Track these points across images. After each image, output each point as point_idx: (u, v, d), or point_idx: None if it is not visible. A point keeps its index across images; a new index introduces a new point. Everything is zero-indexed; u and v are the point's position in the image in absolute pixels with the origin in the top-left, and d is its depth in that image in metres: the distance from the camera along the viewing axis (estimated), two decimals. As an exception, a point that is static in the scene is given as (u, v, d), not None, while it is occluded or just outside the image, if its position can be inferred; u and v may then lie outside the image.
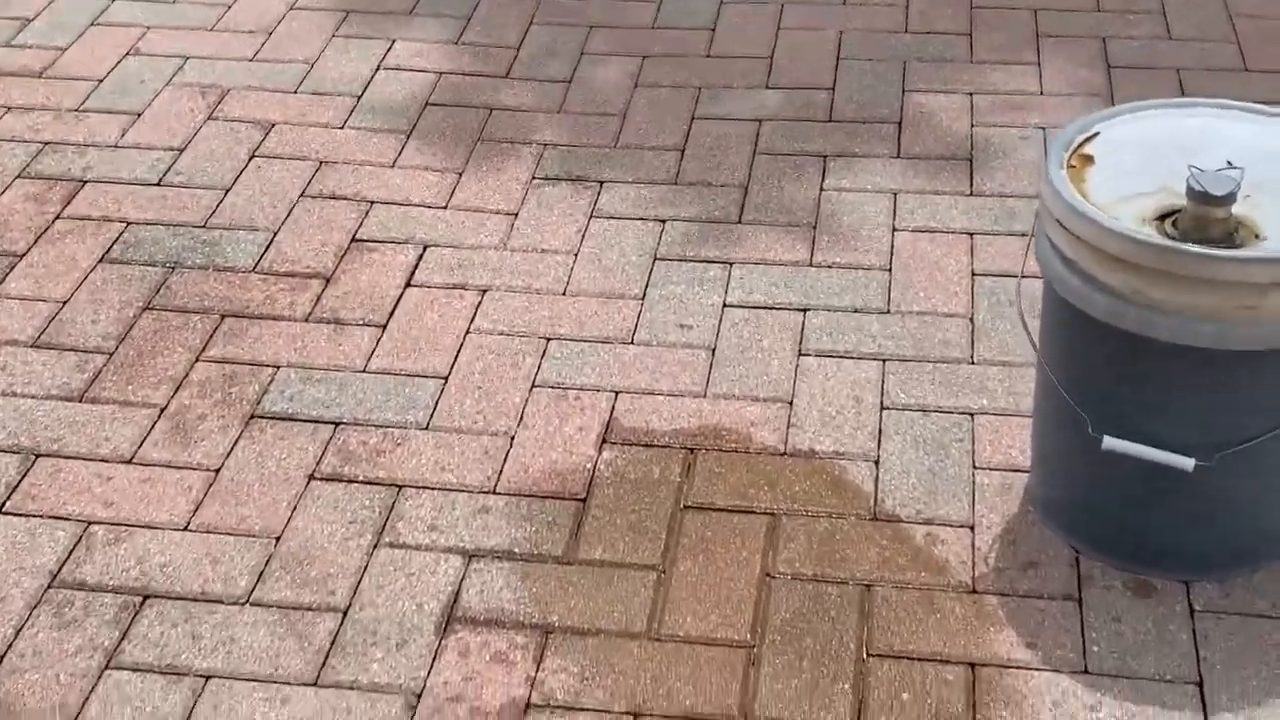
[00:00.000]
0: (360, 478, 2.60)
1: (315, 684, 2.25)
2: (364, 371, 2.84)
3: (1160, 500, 2.31)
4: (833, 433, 2.66)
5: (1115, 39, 3.82)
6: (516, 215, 3.26)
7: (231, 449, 2.67)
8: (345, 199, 3.33)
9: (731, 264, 3.08)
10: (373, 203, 3.31)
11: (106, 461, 2.65)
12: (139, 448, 2.68)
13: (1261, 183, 2.20)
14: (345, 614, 2.35)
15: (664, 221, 3.22)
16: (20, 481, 2.61)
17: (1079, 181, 2.24)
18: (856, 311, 2.95)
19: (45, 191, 3.37)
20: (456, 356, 2.87)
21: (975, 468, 2.58)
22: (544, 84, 3.73)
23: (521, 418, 2.72)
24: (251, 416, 2.74)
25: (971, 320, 2.91)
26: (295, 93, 3.71)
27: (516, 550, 2.45)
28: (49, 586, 2.42)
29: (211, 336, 2.93)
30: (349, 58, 3.85)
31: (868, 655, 2.26)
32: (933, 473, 2.57)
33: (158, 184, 3.38)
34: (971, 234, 3.15)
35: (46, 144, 3.53)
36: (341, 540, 2.48)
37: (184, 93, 3.71)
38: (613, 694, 2.21)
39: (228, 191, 3.35)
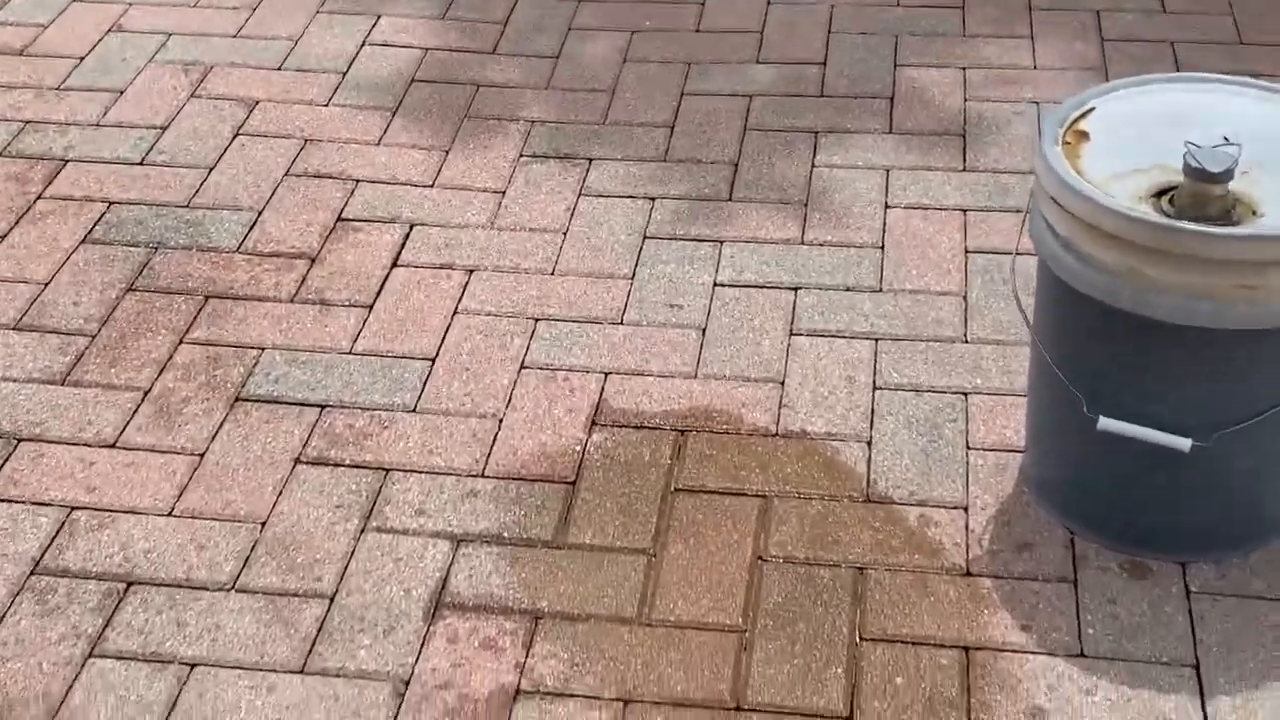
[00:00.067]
0: (347, 461, 2.57)
1: (302, 671, 2.22)
2: (350, 353, 2.81)
3: (1156, 481, 2.28)
4: (825, 413, 2.63)
5: (1109, 12, 3.78)
6: (504, 194, 3.22)
7: (216, 432, 2.63)
8: (330, 178, 3.28)
9: (722, 242, 3.05)
10: (358, 181, 3.27)
11: (89, 446, 2.62)
12: (122, 432, 2.64)
13: (1259, 159, 2.17)
14: (332, 600, 2.32)
15: (653, 199, 3.18)
16: (1, 466, 2.57)
17: (1074, 158, 2.20)
18: (849, 290, 2.91)
19: (26, 171, 3.32)
20: (444, 338, 2.83)
21: (969, 448, 2.55)
22: (531, 60, 3.69)
23: (510, 400, 2.68)
24: (236, 399, 2.71)
25: (965, 298, 2.88)
26: (279, 70, 3.66)
27: (505, 534, 2.42)
28: (31, 573, 2.38)
29: (195, 318, 2.89)
30: (333, 34, 3.80)
31: (861, 639, 2.24)
32: (926, 453, 2.54)
33: (140, 163, 3.33)
34: (965, 210, 3.11)
35: (28, 123, 3.48)
36: (328, 525, 2.45)
37: (166, 70, 3.66)
38: (603, 680, 2.18)
39: (211, 170, 3.31)
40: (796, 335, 2.81)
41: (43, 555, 2.41)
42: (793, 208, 3.14)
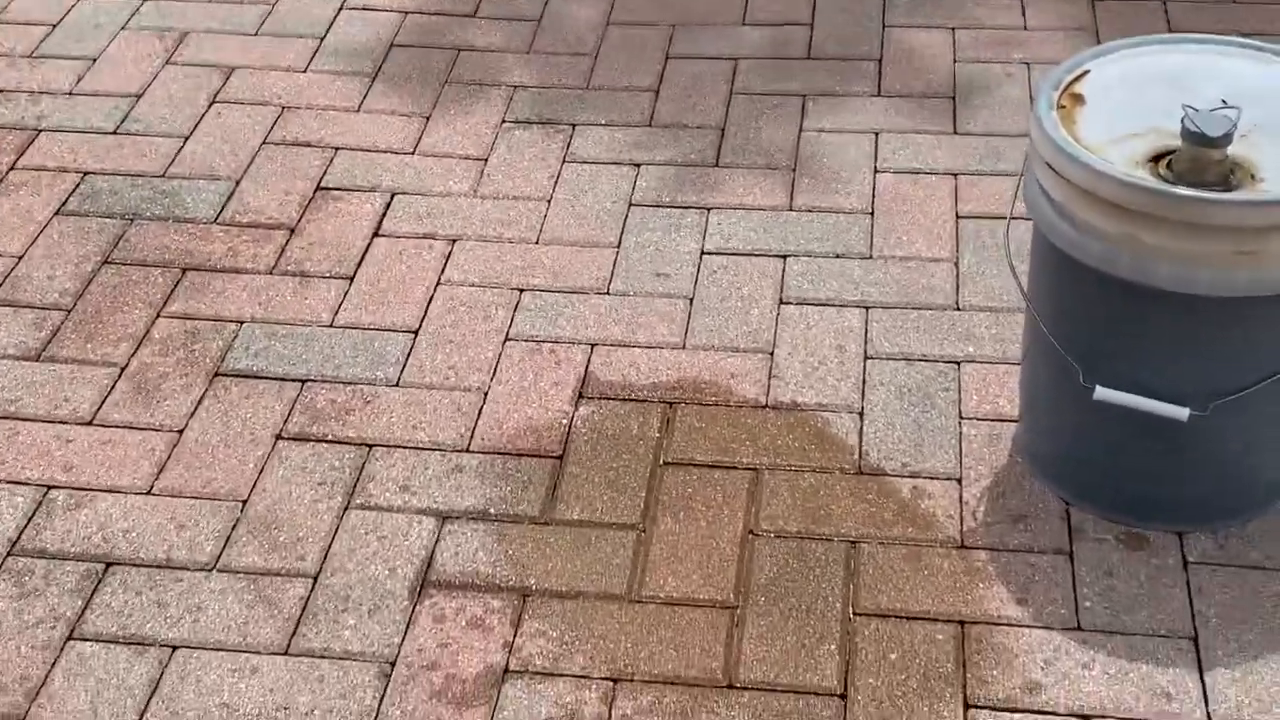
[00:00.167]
0: (329, 437, 2.52)
1: (285, 653, 2.17)
2: (331, 326, 2.75)
3: (1153, 450, 2.24)
4: (815, 384, 2.59)
5: (1099, -29, 3.72)
6: (486, 161, 3.16)
7: (195, 409, 2.58)
8: (309, 145, 3.22)
9: (709, 209, 2.99)
10: (337, 149, 3.21)
11: (65, 423, 2.56)
12: (99, 409, 2.59)
13: (1257, 122, 2.12)
14: (315, 580, 2.28)
15: (639, 166, 3.12)
16: (-24, 445, 2.53)
17: (1069, 123, 2.16)
18: (838, 257, 2.86)
19: (-2, 141, 3.26)
20: (426, 309, 2.78)
21: (962, 418, 2.51)
22: (513, 23, 3.62)
23: (495, 372, 2.64)
24: (215, 374, 2.65)
25: (956, 265, 2.84)
26: (256, 35, 3.59)
27: (492, 511, 2.38)
28: (8, 554, 2.33)
29: (172, 291, 2.84)
30: (311, -2, 3.73)
31: (854, 614, 2.20)
32: (918, 424, 2.50)
33: (114, 132, 3.27)
34: (955, 175, 3.06)
35: (-1, 91, 3.42)
36: (310, 503, 2.40)
37: (140, 37, 3.59)
38: (593, 658, 2.15)
39: (187, 139, 3.24)
40: (786, 304, 2.76)
41: (19, 536, 2.36)
42: (781, 173, 3.09)
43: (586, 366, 2.64)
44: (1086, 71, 2.25)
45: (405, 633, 2.19)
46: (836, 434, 2.49)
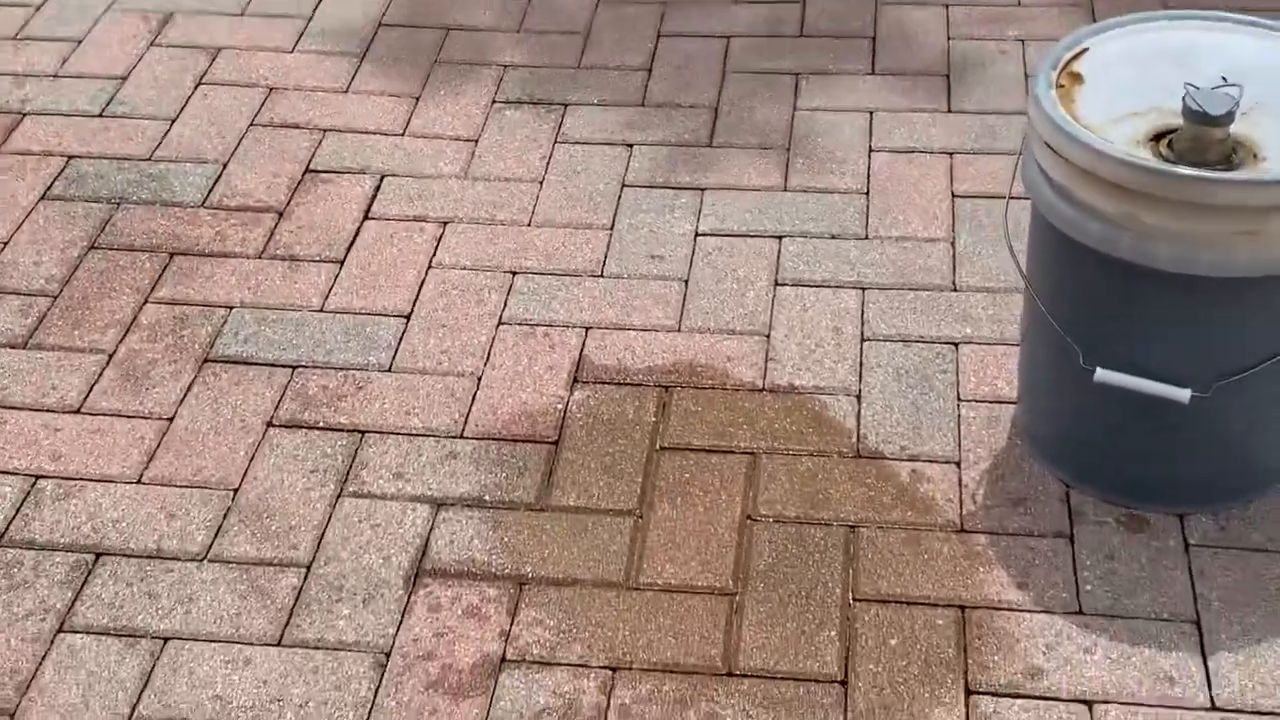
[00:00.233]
0: (321, 424, 2.49)
1: (279, 644, 2.15)
2: (322, 311, 2.72)
3: (1154, 432, 2.22)
4: (812, 366, 2.56)
5: (1094, -54, 3.69)
6: (477, 142, 3.13)
7: (184, 396, 2.55)
8: (297, 127, 3.18)
9: (703, 190, 2.96)
10: (326, 131, 3.17)
11: (53, 412, 2.53)
12: (87, 396, 2.55)
13: (1259, 100, 2.10)
14: (309, 569, 2.25)
15: (631, 146, 3.09)
16: (-37, 435, 2.49)
17: (1068, 102, 2.13)
18: (834, 238, 2.84)
19: (-18, 125, 3.22)
20: (418, 293, 2.75)
21: (960, 400, 2.49)
22: (503, 1, 3.57)
23: (488, 357, 2.61)
24: (204, 360, 2.62)
25: (953, 245, 2.81)
26: (242, 15, 3.54)
27: (487, 497, 2.35)
28: (-4, 546, 2.31)
29: (160, 276, 2.80)
30: (298, -23, 3.68)
31: (854, 600, 2.18)
32: (916, 406, 2.48)
33: (100, 115, 3.23)
34: (951, 154, 3.03)
35: (-18, 74, 3.37)
36: (303, 491, 2.37)
37: (126, 18, 3.54)
38: (590, 647, 2.12)
39: (173, 122, 3.20)
40: (781, 286, 2.73)
41: (7, 527, 2.33)
42: (775, 153, 3.06)
43: (581, 350, 2.61)
44: (1085, 50, 2.22)
45: (400, 622, 2.16)
46: (834, 417, 2.47)
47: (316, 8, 3.56)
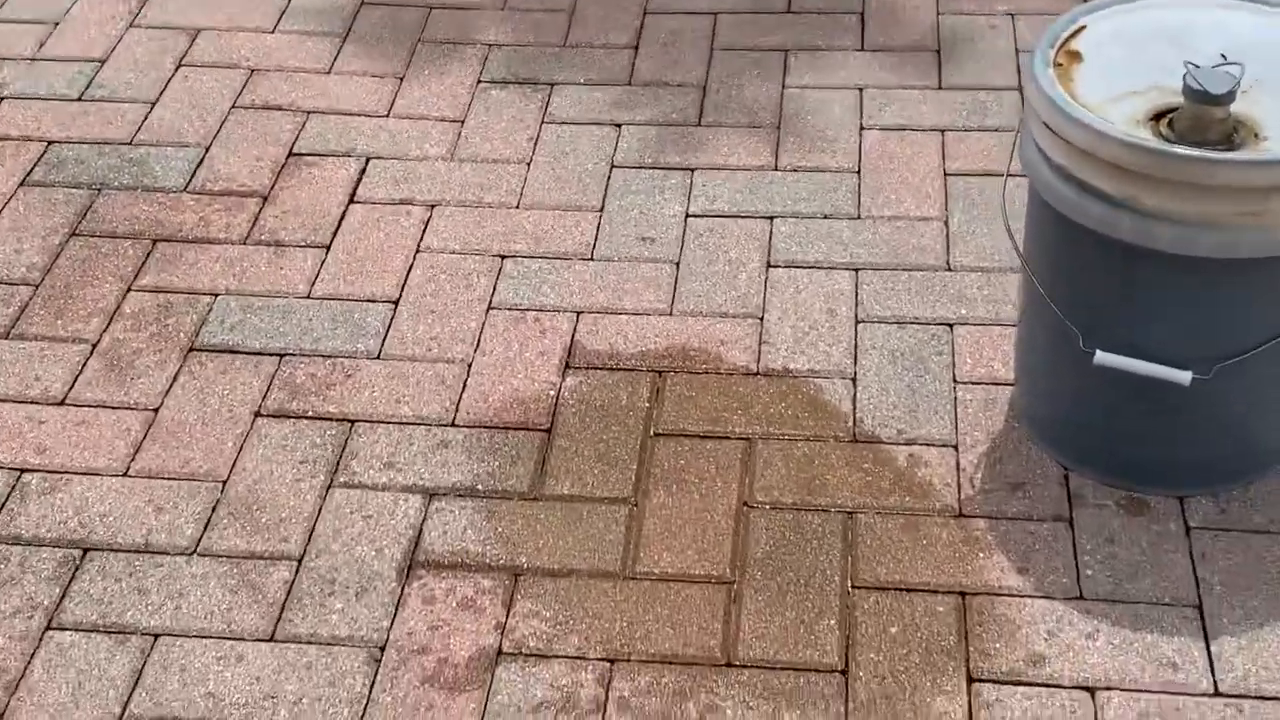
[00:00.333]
0: (309, 413, 2.45)
1: (271, 639, 2.12)
2: (308, 297, 2.68)
3: (1154, 415, 2.20)
4: (807, 349, 2.53)
5: (1083, -82, 3.65)
6: (463, 123, 3.08)
7: (170, 386, 2.51)
8: (280, 109, 3.14)
9: (693, 170, 2.93)
10: (309, 113, 3.12)
11: (37, 404, 2.49)
12: (71, 387, 2.51)
13: (1259, 77, 2.07)
14: (300, 562, 2.22)
15: (620, 126, 3.05)
16: (-55, 428, 2.45)
17: (1066, 81, 2.10)
18: (826, 218, 2.80)
19: (-42, 110, 3.16)
20: (406, 278, 2.71)
21: (956, 382, 2.47)
22: (486, -21, 3.53)
23: (478, 343, 2.57)
24: (190, 349, 2.58)
25: (946, 224, 2.78)
26: (222, -5, 3.49)
27: (480, 487, 2.32)
28: (-19, 542, 2.27)
29: (143, 264, 2.76)
30: (278, -44, 3.63)
31: (853, 587, 2.16)
32: (912, 389, 2.45)
33: (79, 99, 3.17)
34: (942, 131, 3.00)
35: (-43, 58, 3.31)
36: (292, 482, 2.34)
37: (102, -2, 3.49)
38: (587, 639, 2.10)
39: (154, 105, 3.15)
40: (774, 267, 2.70)
41: (-7, 522, 2.30)
42: (765, 132, 3.02)
43: (572, 335, 2.57)
44: (1083, 27, 2.19)
45: (394, 616, 2.14)
46: (830, 401, 2.44)
47: (297, -14, 3.51)
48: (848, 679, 2.04)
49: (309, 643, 2.11)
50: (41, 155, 3.02)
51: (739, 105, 3.09)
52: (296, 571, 2.20)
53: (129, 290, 2.70)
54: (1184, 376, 2.09)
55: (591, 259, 2.73)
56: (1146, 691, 2.01)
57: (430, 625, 2.12)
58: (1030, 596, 2.13)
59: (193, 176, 2.96)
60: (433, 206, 2.87)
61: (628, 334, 2.57)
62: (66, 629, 2.14)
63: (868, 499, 2.28)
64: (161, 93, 3.18)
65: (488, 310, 2.63)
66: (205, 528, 2.27)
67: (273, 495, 2.31)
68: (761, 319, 2.59)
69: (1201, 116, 2.01)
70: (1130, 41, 2.16)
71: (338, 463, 2.36)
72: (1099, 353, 2.12)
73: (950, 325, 2.57)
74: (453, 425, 2.42)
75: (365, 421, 2.43)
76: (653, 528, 2.24)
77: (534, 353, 2.55)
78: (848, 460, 2.34)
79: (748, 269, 2.69)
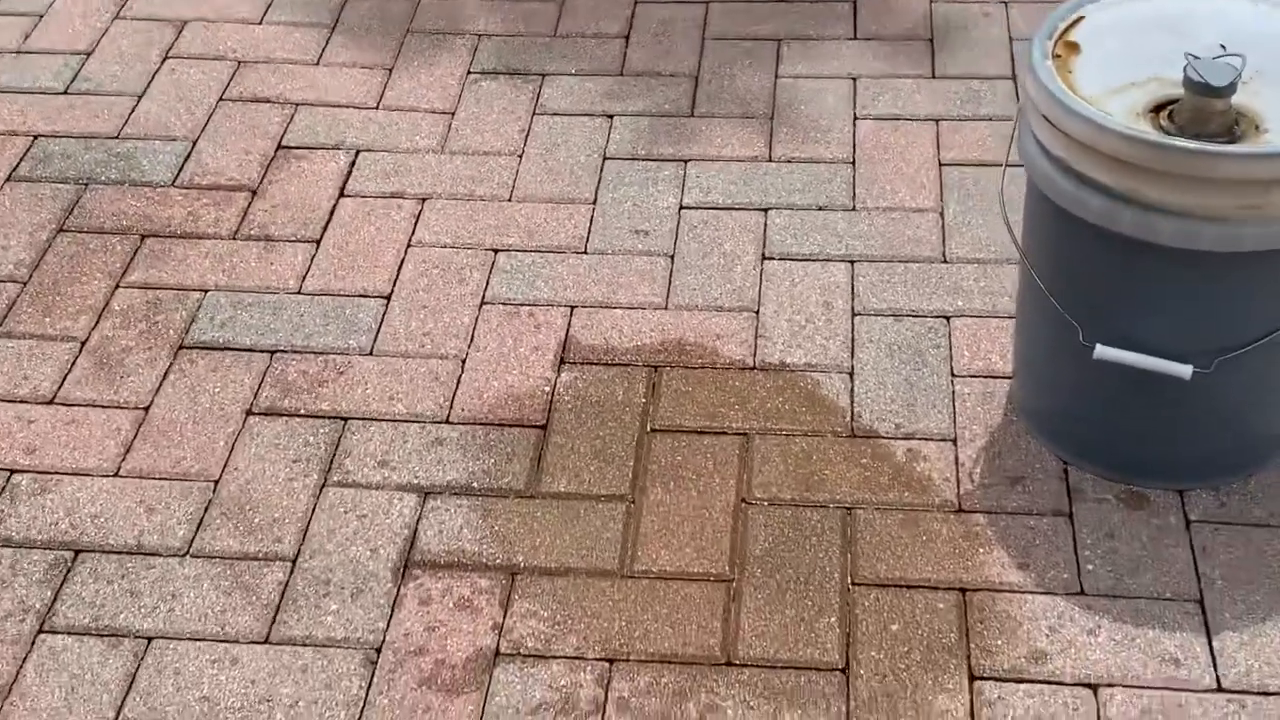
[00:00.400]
0: (302, 411, 2.43)
1: (266, 641, 2.09)
2: (299, 293, 2.65)
3: (1154, 409, 2.19)
4: (803, 343, 2.51)
5: (1075, -97, 3.62)
6: (454, 114, 3.05)
7: (160, 384, 2.48)
8: (268, 102, 3.10)
9: (686, 161, 2.90)
10: (298, 105, 3.09)
11: (26, 403, 2.46)
12: (60, 386, 2.48)
13: (1260, 68, 2.05)
14: (294, 563, 2.19)
15: (612, 117, 3.03)
16: (-67, 428, 2.42)
17: (1065, 72, 2.08)
18: (821, 209, 2.78)
19: (-58, 104, 3.13)
20: (398, 273, 2.68)
21: (954, 375, 2.45)
22: (475, -31, 3.50)
23: (472, 338, 2.55)
24: (180, 347, 2.55)
25: (941, 215, 2.76)
26: (208, -14, 3.46)
27: (475, 485, 2.30)
28: (-29, 544, 2.24)
29: (132, 260, 2.73)
30: (264, -55, 3.59)
31: (853, 584, 2.14)
32: (910, 383, 2.44)
33: (65, 92, 3.14)
34: (937, 120, 2.98)
35: (-60, 51, 3.27)
36: (285, 481, 2.31)
37: (87, -11, 3.45)
38: (586, 639, 2.08)
39: (140, 98, 3.11)
40: (769, 259, 2.68)
41: (-18, 524, 2.27)
42: (758, 122, 3.00)
43: (567, 330, 2.55)
44: (1081, 17, 2.17)
45: (390, 617, 2.11)
46: (827, 395, 2.42)
47: (284, -24, 3.47)
48: (849, 677, 2.02)
49: (304, 645, 2.09)
50: (28, 150, 2.98)
51: (732, 95, 3.07)
52: (291, 572, 2.18)
53: (118, 287, 2.67)
54: (1184, 370, 2.07)
55: (585, 252, 2.71)
56: (1149, 688, 1.99)
57: (427, 626, 2.10)
58: (1031, 592, 2.12)
59: (180, 170, 2.92)
60: (424, 200, 2.84)
61: (623, 328, 2.55)
62: (59, 632, 2.11)
63: (866, 494, 2.26)
64: (148, 85, 3.14)
65: (481, 305, 2.61)
66: (198, 528, 2.25)
67: (265, 495, 2.29)
68: (757, 312, 2.57)
69: (1202, 109, 1.99)
70: (1129, 32, 2.14)
71: (331, 461, 2.34)
72: (1099, 347, 2.11)
73: (947, 317, 2.55)
74: (447, 422, 2.40)
75: (358, 419, 2.41)
76: (650, 525, 2.23)
77: (528, 348, 2.52)
78: (846, 455, 2.32)
79: (743, 262, 2.67)
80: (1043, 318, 2.22)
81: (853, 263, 2.66)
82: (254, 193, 2.87)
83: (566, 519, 2.24)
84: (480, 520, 2.24)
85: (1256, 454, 2.27)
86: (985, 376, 2.44)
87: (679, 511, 2.24)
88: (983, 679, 2.01)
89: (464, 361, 2.50)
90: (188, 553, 2.21)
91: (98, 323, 2.60)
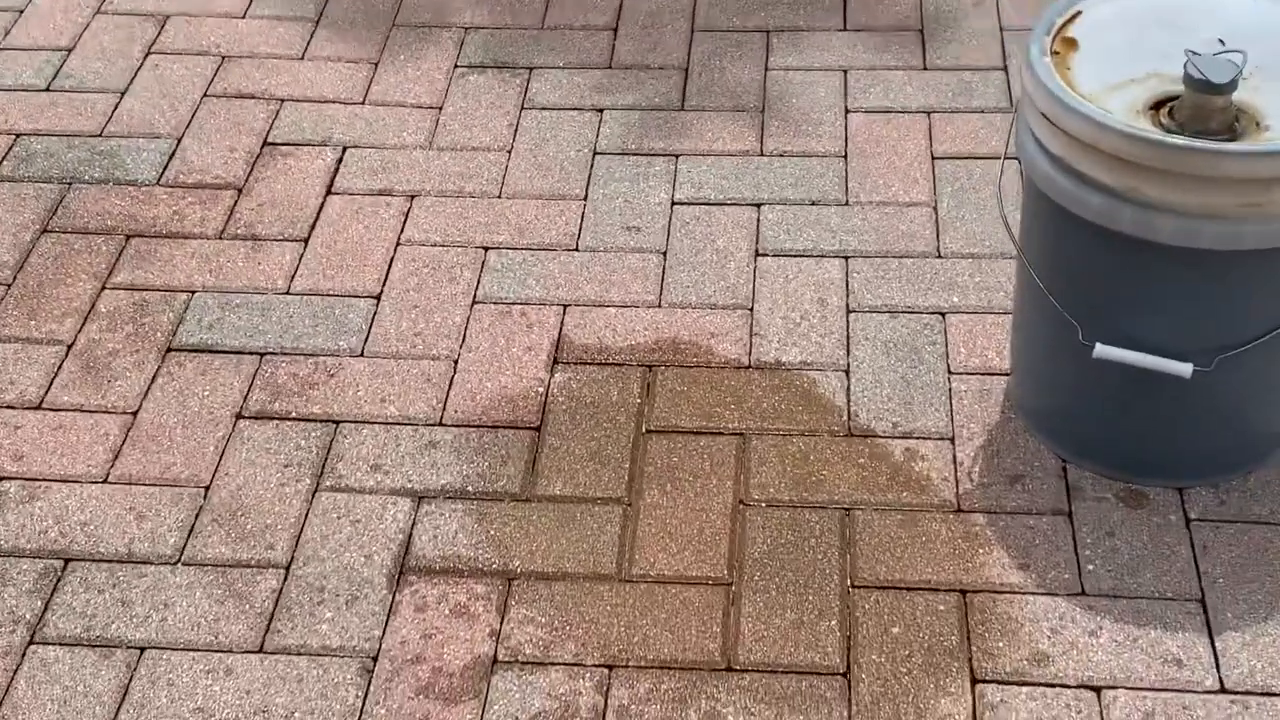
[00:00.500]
0: (292, 414, 2.40)
1: (260, 650, 2.07)
2: (288, 293, 2.62)
3: (1154, 407, 2.17)
4: (798, 341, 2.49)
5: (1064, -109, 3.60)
6: (441, 109, 3.02)
7: (148, 388, 2.45)
8: (253, 97, 3.07)
9: (677, 156, 2.88)
10: (283, 100, 3.06)
11: (13, 408, 2.42)
12: (47, 391, 2.45)
13: (1260, 63, 2.03)
14: (288, 570, 2.17)
15: (601, 111, 3.00)
16: (-82, 435, 2.39)
17: (1063, 69, 2.06)
18: (814, 204, 2.76)
19: (-79, 101, 3.08)
20: (388, 272, 2.65)
21: (950, 373, 2.43)
22: (460, -40, 3.46)
23: (464, 339, 2.52)
24: (168, 349, 2.52)
25: (935, 209, 2.74)
26: (190, -21, 3.41)
27: (470, 489, 2.27)
28: (-41, 553, 2.21)
29: (117, 260, 2.69)
30: (246, -63, 3.54)
31: (853, 586, 2.12)
32: (906, 381, 2.42)
33: (46, 89, 3.09)
34: (929, 113, 2.96)
35: (-82, 47, 3.23)
36: (277, 487, 2.28)
37: (67, -17, 3.41)
38: (584, 645, 2.06)
39: (123, 95, 3.07)
40: (763, 256, 2.66)
41: (-30, 533, 2.24)
42: (749, 115, 2.97)
43: (560, 329, 2.53)
44: (1079, 13, 2.14)
45: (386, 624, 2.09)
46: (823, 394, 2.40)
47: (267, -31, 3.43)
48: (850, 681, 2.01)
49: (299, 654, 2.06)
50: (10, 149, 2.94)
51: (722, 88, 3.04)
52: (284, 580, 2.15)
53: (103, 288, 2.63)
54: (1185, 369, 2.06)
55: (577, 250, 2.68)
56: (1152, 690, 1.98)
57: (423, 633, 2.08)
58: (1032, 593, 2.10)
59: (165, 169, 2.89)
60: (412, 197, 2.81)
61: (616, 327, 2.53)
62: (50, 643, 2.09)
63: (865, 495, 2.24)
64: (131, 82, 3.10)
65: (472, 304, 2.58)
66: (189, 535, 2.22)
67: (257, 501, 2.26)
68: (751, 310, 2.55)
69: (1203, 106, 1.97)
70: (1127, 27, 2.12)
71: (323, 466, 2.31)
72: (1099, 345, 2.09)
73: (943, 314, 2.53)
74: (440, 425, 2.37)
75: (350, 422, 2.38)
76: (647, 528, 2.21)
77: (521, 348, 2.50)
78: (843, 455, 2.31)
79: (736, 258, 2.65)
80: (1041, 316, 2.20)
81: (847, 258, 2.64)
82: (240, 191, 2.84)
83: (563, 522, 2.22)
84: (475, 524, 2.22)
85: (1256, 451, 2.26)
86: (982, 374, 2.43)
87: (676, 514, 2.22)
88: (985, 682, 2.00)
89: (456, 362, 2.48)
90: (179, 560, 2.19)
91: (84, 325, 2.56)
